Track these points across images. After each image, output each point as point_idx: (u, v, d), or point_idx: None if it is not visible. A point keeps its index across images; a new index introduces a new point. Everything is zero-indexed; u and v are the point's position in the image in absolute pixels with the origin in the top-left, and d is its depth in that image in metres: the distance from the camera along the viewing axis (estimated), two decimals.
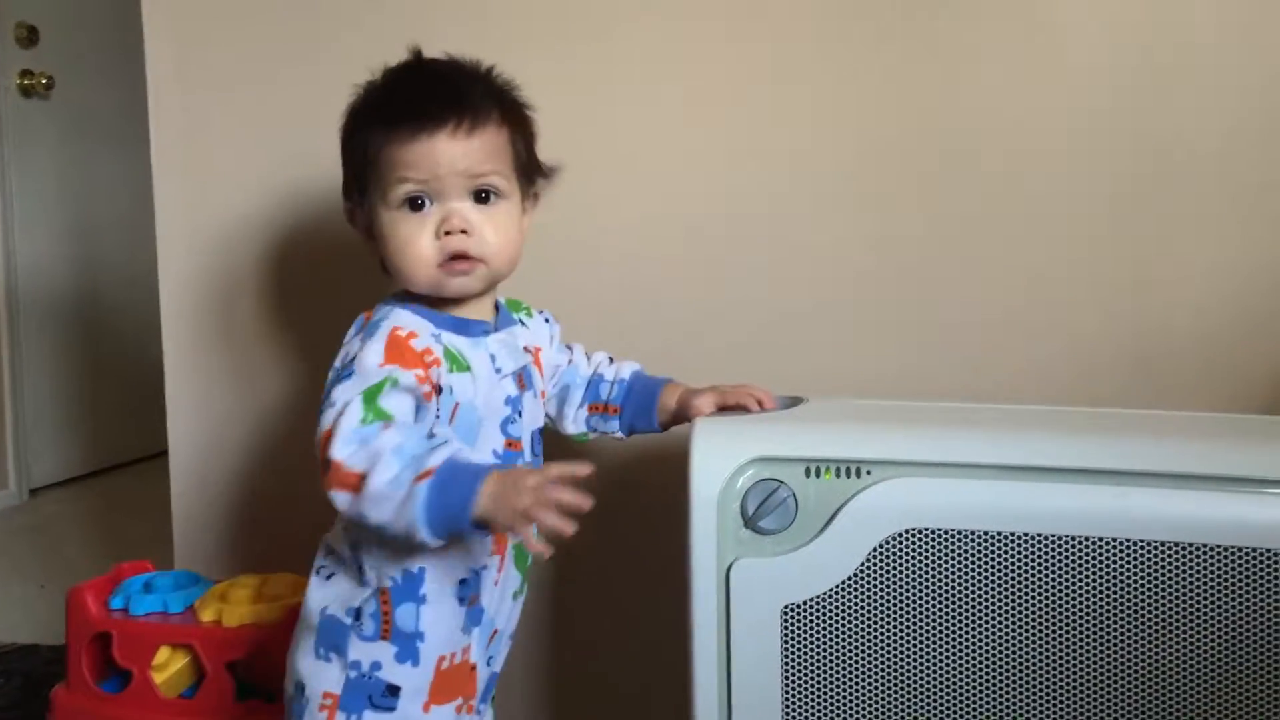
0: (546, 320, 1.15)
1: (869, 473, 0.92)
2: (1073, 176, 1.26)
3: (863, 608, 0.92)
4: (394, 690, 0.97)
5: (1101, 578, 0.88)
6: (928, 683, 0.92)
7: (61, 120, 3.12)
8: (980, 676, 0.91)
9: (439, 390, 0.96)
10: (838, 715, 0.93)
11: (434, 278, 0.98)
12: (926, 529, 0.90)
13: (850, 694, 0.93)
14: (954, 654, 0.91)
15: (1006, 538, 0.89)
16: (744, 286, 1.33)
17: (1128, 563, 0.88)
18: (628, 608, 1.38)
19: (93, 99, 3.20)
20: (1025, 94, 1.26)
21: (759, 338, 1.33)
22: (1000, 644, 0.90)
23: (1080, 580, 0.88)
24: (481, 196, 0.99)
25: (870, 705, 0.93)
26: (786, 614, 0.93)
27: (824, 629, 0.92)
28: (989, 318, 1.28)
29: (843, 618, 0.92)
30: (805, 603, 0.92)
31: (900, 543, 0.91)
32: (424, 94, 0.99)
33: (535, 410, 1.07)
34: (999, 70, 1.26)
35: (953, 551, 0.90)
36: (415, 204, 0.97)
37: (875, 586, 0.91)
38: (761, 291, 1.33)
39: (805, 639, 0.93)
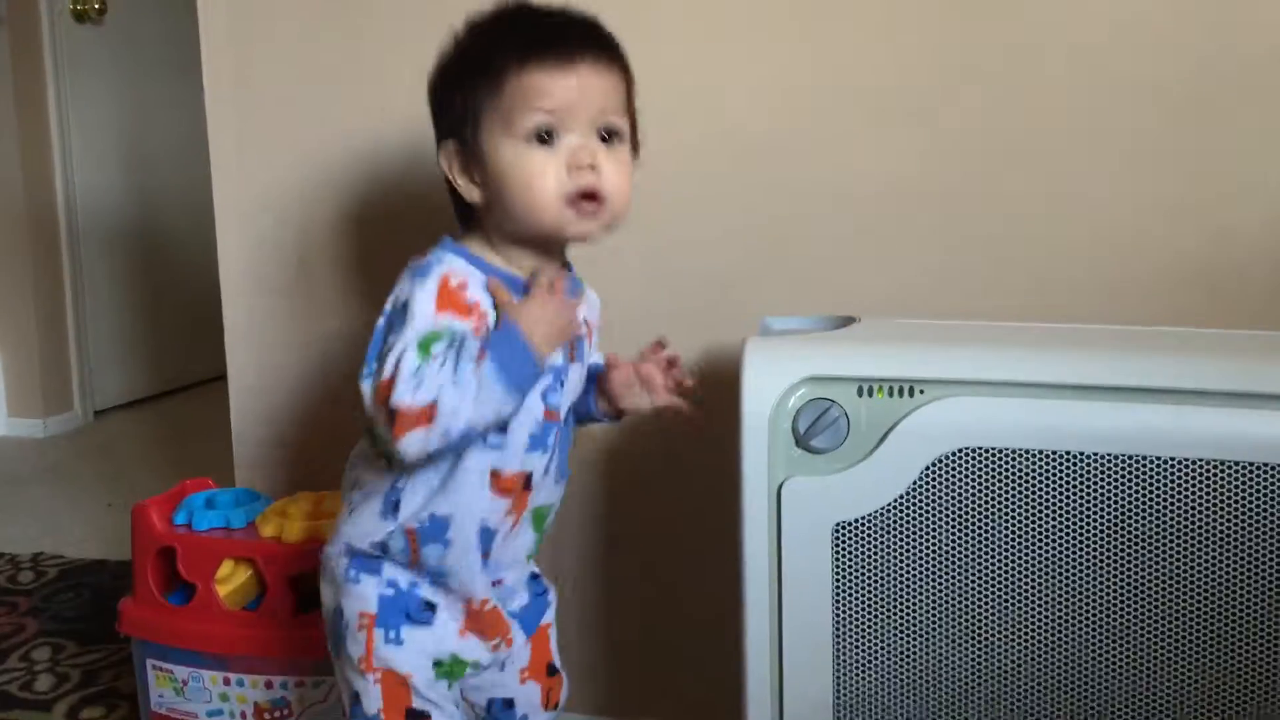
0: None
1: (922, 392, 0.92)
2: (1135, 90, 1.22)
3: (914, 526, 0.92)
4: (431, 606, 0.98)
5: (1158, 497, 0.87)
6: (978, 601, 0.92)
7: (115, 45, 3.14)
8: (1033, 596, 0.91)
9: None
10: (888, 633, 0.94)
11: (560, 215, 0.94)
12: (979, 448, 0.90)
13: (901, 612, 0.93)
14: (1006, 573, 0.91)
15: (1061, 457, 0.88)
16: (793, 206, 1.31)
17: (1185, 482, 0.87)
18: (678, 528, 1.39)
19: (145, 24, 3.22)
20: (1081, 3, 1.22)
21: (811, 257, 1.32)
22: (1053, 564, 0.90)
23: (1136, 499, 0.88)
24: (605, 137, 0.96)
25: (921, 623, 0.93)
26: (838, 532, 0.93)
27: (875, 547, 0.93)
28: (1049, 236, 1.26)
29: (894, 536, 0.92)
30: (856, 521, 0.93)
31: (953, 462, 0.90)
32: (562, 24, 0.96)
33: (578, 381, 1.05)
34: None
35: (1006, 471, 0.90)
36: (543, 137, 0.94)
37: (927, 505, 0.91)
38: (812, 211, 1.31)
39: (856, 557, 0.93)
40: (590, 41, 0.96)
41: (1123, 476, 0.88)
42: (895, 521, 0.92)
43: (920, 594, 0.93)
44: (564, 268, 1.03)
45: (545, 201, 0.94)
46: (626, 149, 0.99)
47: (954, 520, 0.91)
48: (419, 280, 0.93)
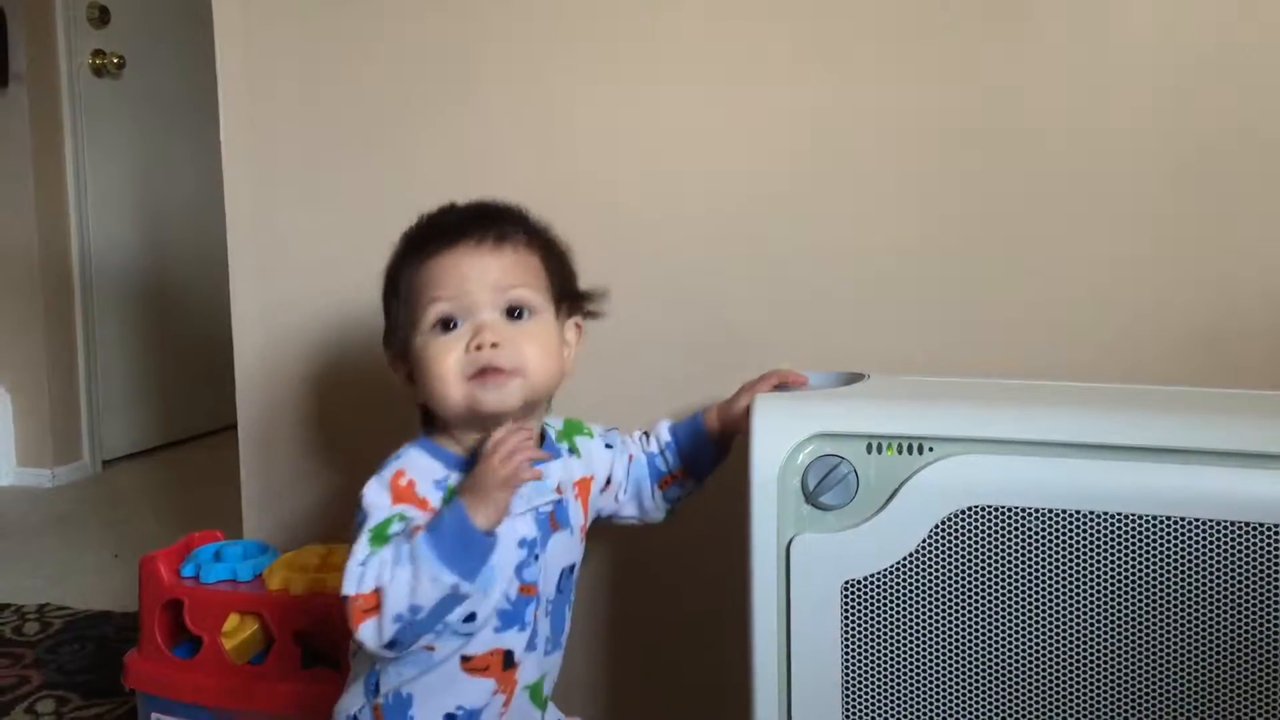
0: (608, 445, 1.10)
1: (931, 449, 0.92)
2: (1139, 151, 1.23)
3: (924, 584, 0.91)
4: None
5: (1166, 557, 0.87)
6: (988, 660, 0.91)
7: (133, 100, 3.18)
8: (1042, 656, 0.90)
9: None
10: (898, 692, 0.93)
11: (465, 393, 0.95)
12: (989, 506, 0.89)
13: (911, 670, 0.93)
14: (1015, 632, 0.90)
15: (1070, 515, 0.88)
16: (802, 263, 1.32)
17: (1193, 542, 0.86)
18: (687, 585, 1.39)
19: (163, 79, 3.26)
20: (1089, 65, 1.24)
21: (820, 314, 1.32)
22: (1062, 623, 0.89)
23: (1144, 559, 0.87)
24: (514, 313, 0.97)
25: (931, 682, 0.92)
26: (847, 590, 0.93)
27: (885, 605, 0.92)
28: (1054, 295, 1.26)
29: (904, 594, 0.92)
30: (866, 579, 0.92)
31: (962, 520, 0.90)
32: (452, 219, 1.01)
33: (568, 549, 1.03)
34: (1061, 41, 1.24)
35: (1015, 529, 0.89)
36: (446, 325, 0.96)
37: (937, 563, 0.91)
38: (822, 268, 1.32)
39: (866, 615, 0.93)
40: (479, 225, 0.98)
41: (1131, 536, 0.87)
42: (905, 579, 0.92)
43: (930, 653, 0.92)
44: (540, 439, 1.03)
45: (448, 382, 0.95)
46: (542, 320, 0.99)
47: (964, 578, 0.91)
48: (375, 480, 0.96)
